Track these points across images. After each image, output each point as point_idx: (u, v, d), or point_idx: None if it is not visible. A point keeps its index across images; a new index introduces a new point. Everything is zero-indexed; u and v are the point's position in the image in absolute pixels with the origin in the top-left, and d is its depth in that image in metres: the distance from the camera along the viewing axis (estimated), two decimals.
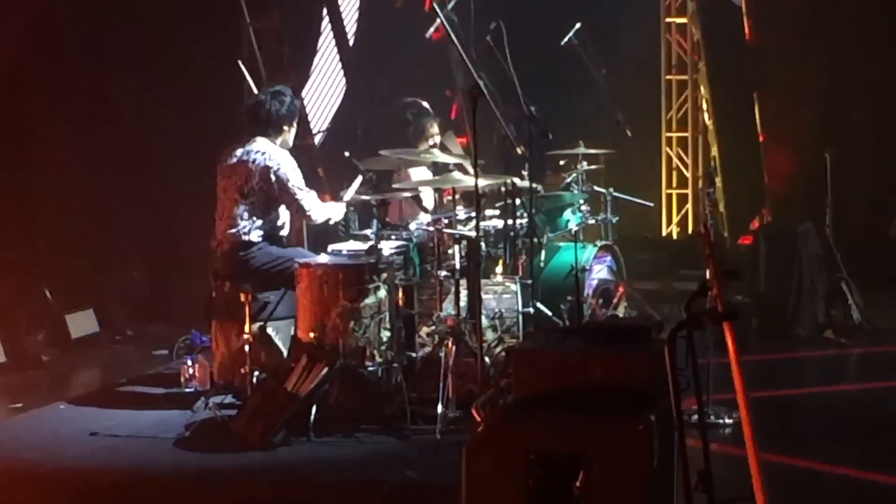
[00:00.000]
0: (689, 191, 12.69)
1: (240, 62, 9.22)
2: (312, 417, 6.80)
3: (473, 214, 7.02)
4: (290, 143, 7.87)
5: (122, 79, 10.24)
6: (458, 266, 7.14)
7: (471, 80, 7.32)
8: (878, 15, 10.78)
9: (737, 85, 11.82)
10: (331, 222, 7.92)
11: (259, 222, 7.57)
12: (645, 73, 12.54)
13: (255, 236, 7.57)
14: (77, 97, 10.01)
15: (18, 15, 9.29)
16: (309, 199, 7.67)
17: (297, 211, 7.72)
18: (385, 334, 7.17)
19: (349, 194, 7.88)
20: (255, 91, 8.62)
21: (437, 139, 8.72)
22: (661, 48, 12.75)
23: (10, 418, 7.67)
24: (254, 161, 7.60)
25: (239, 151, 7.68)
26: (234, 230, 7.58)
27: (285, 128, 7.76)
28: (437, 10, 7.48)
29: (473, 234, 7.01)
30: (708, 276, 4.50)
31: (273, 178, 7.55)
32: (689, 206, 12.66)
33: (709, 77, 12.20)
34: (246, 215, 7.57)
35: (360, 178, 7.84)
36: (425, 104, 8.58)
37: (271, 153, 7.62)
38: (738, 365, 4.35)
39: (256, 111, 7.76)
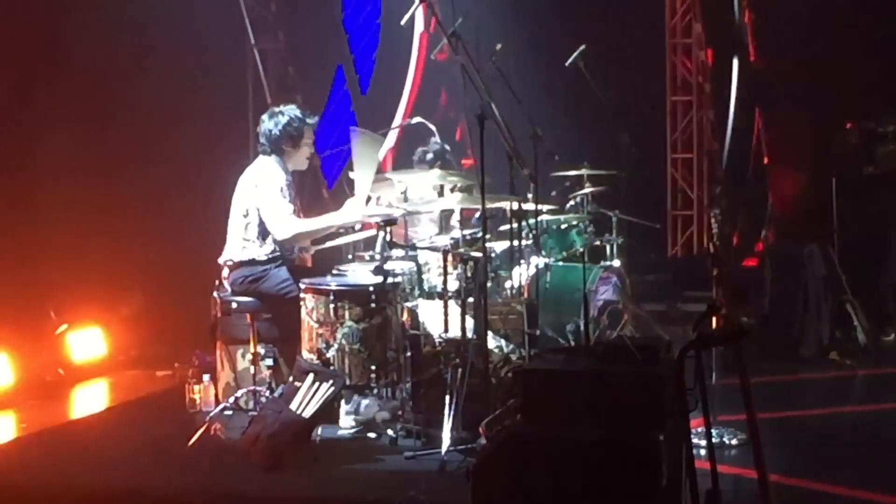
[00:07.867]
0: (693, 212, 12.68)
1: None
2: (318, 437, 6.82)
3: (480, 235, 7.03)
4: (301, 163, 7.86)
5: (128, 97, 10.24)
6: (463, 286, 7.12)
7: (477, 102, 7.32)
8: (884, 36, 10.76)
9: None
10: (297, 246, 7.73)
11: (264, 242, 7.58)
12: (650, 94, 12.54)
13: (262, 256, 7.58)
14: (82, 117, 10.02)
15: (24, 36, 9.32)
16: (274, 213, 7.48)
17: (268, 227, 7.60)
18: (391, 355, 7.16)
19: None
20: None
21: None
22: (667, 70, 12.74)
23: (16, 438, 7.66)
24: (248, 180, 7.63)
25: (245, 171, 7.71)
26: (240, 250, 7.59)
27: (285, 147, 7.68)
28: (443, 31, 7.46)
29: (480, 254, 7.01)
30: (715, 296, 4.52)
31: (255, 194, 7.56)
32: (695, 227, 12.64)
33: (714, 98, 12.20)
34: (252, 236, 7.57)
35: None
36: (431, 126, 8.56)
37: (258, 170, 7.63)
38: (747, 384, 4.35)
39: (257, 132, 7.77)
